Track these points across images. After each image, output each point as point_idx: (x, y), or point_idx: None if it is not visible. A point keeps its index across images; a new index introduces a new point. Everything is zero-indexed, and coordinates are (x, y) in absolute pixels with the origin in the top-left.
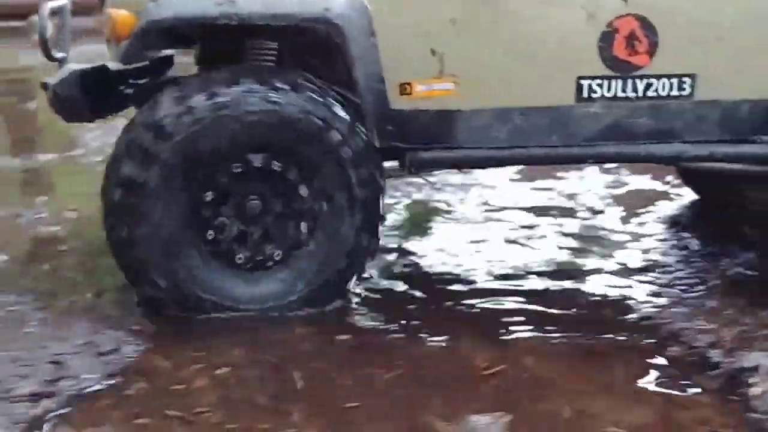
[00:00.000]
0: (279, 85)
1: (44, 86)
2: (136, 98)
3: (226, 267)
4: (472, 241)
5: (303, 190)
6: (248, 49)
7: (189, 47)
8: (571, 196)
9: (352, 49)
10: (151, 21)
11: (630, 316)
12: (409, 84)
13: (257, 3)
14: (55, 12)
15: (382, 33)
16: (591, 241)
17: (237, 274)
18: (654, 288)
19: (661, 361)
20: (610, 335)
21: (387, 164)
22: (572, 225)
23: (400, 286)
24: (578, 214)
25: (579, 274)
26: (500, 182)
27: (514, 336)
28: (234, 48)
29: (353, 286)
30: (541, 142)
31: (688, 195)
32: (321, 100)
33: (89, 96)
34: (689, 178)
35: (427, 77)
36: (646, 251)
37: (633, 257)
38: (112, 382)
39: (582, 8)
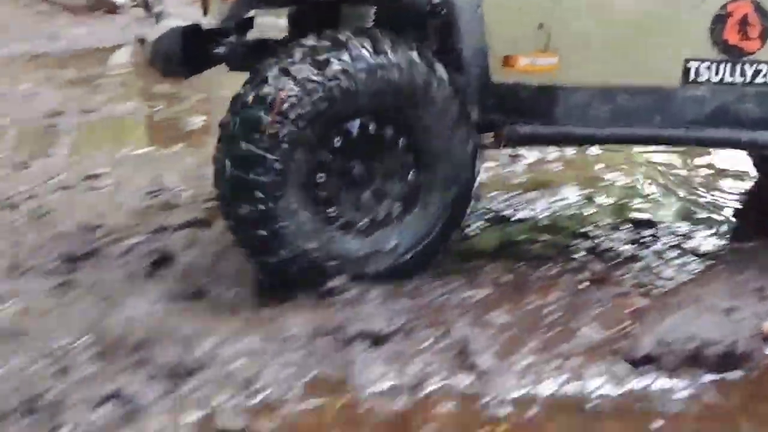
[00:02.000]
0: (387, 50)
1: (141, 41)
2: (231, 58)
3: (343, 231)
4: None
5: (408, 156)
6: (345, 14)
7: (282, 6)
8: None
9: (460, 20)
10: None
11: None
12: (512, 57)
13: None
14: None
15: (488, 4)
16: None
17: (354, 237)
18: None
19: None
20: None
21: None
22: None
23: None
24: None
25: None
26: None
27: None
28: (329, 12)
29: None
30: (642, 122)
31: None
32: (427, 67)
33: (187, 52)
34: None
35: (532, 51)
36: None
37: None
38: None
39: None
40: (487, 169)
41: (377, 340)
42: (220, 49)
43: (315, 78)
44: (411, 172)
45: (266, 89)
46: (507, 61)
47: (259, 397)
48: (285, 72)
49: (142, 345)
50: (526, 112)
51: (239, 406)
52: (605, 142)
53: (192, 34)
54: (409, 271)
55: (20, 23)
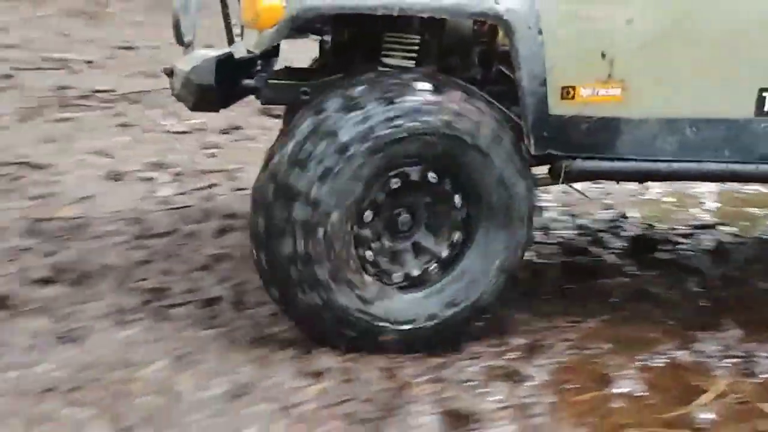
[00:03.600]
0: (451, 93)
1: (169, 73)
2: (263, 90)
3: (380, 284)
4: None
5: (458, 201)
6: (388, 41)
7: (322, 35)
8: None
9: (520, 48)
10: (306, 8)
11: None
12: (572, 88)
13: None
14: None
15: (548, 32)
16: None
17: (389, 292)
18: None
19: None
20: None
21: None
22: None
23: None
24: None
25: None
26: None
27: None
28: (368, 38)
29: None
30: (712, 157)
31: None
32: (490, 113)
33: (220, 85)
34: None
35: (593, 81)
36: None
37: None
38: None
39: None
40: None
41: None
42: (251, 81)
43: (381, 118)
44: (457, 234)
45: (330, 124)
46: (566, 93)
47: None
48: (348, 105)
49: None
50: (587, 146)
51: None
52: (670, 178)
53: (225, 64)
54: (464, 324)
55: None
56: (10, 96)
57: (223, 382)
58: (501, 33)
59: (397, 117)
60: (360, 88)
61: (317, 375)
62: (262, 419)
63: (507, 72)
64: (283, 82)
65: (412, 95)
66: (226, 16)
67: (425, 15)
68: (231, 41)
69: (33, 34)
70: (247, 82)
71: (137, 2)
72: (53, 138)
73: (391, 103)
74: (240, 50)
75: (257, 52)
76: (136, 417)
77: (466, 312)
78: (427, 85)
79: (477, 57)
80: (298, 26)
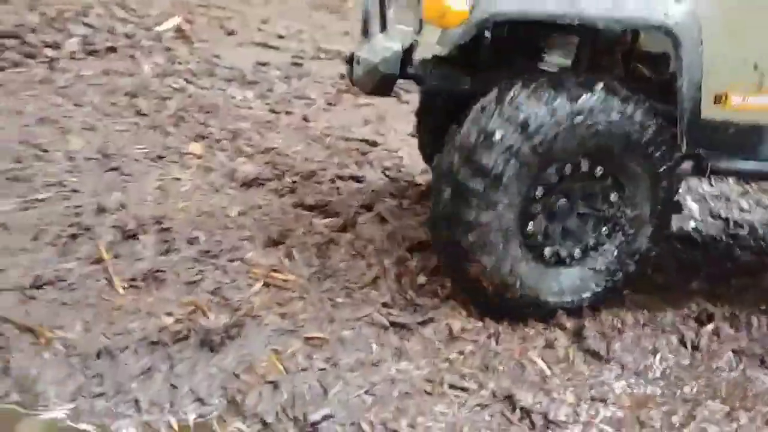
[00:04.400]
0: (626, 97)
1: (350, 60)
2: (426, 77)
3: (535, 260)
4: None
5: (614, 196)
6: (548, 44)
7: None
8: None
9: (684, 58)
10: (495, 13)
11: None
12: (725, 95)
13: (598, 5)
14: None
15: (707, 43)
16: None
17: (543, 267)
18: None
19: None
20: None
21: None
22: None
23: None
24: None
25: None
26: None
27: None
28: (529, 39)
29: None
30: None
31: None
32: (653, 116)
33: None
34: None
35: (745, 90)
36: None
37: None
38: None
39: None
40: None
41: None
42: (414, 69)
43: (565, 112)
44: (616, 203)
45: (520, 113)
46: (719, 99)
47: None
48: (541, 100)
49: None
50: (734, 147)
51: None
52: None
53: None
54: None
55: None
56: (306, 83)
57: None
58: (642, 36)
59: (579, 113)
60: (549, 84)
61: None
62: None
63: (645, 71)
64: (447, 71)
65: (592, 95)
66: (382, 4)
67: (602, 26)
68: (384, 28)
69: (297, 25)
70: (411, 70)
71: None
72: (369, 119)
73: (574, 100)
74: (405, 40)
75: (443, 49)
76: None
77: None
78: (606, 88)
79: (620, 58)
80: (484, 28)
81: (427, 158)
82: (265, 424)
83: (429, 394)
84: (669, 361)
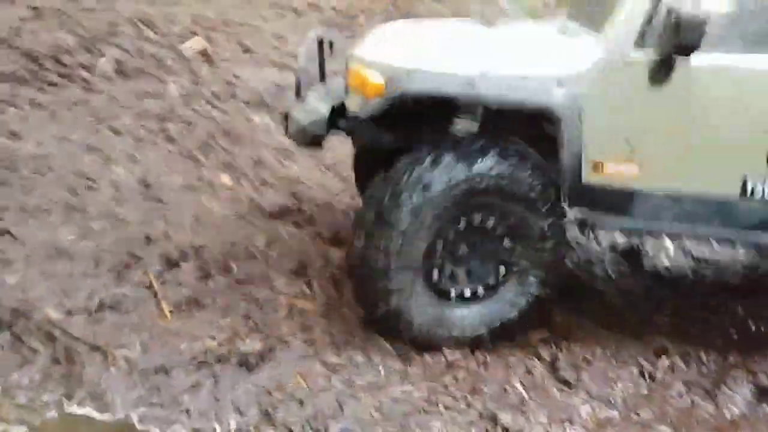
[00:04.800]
0: (517, 161)
1: (285, 116)
2: (357, 133)
3: (439, 299)
4: None
5: (507, 242)
6: (460, 111)
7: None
8: None
9: (564, 133)
10: (404, 91)
11: None
12: (602, 163)
13: (493, 88)
14: (320, 43)
15: (586, 121)
16: None
17: (445, 306)
18: None
19: None
20: None
21: None
22: None
23: None
24: None
25: None
26: None
27: None
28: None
29: None
30: (704, 223)
31: None
32: (542, 176)
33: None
34: None
35: (618, 160)
36: None
37: None
38: None
39: (758, 123)
40: None
41: None
42: (344, 123)
43: (461, 174)
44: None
45: (425, 176)
46: (597, 167)
47: None
48: (437, 165)
49: None
50: (609, 207)
51: None
52: (671, 236)
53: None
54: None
55: None
56: None
57: None
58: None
59: (474, 177)
60: (447, 151)
61: None
62: None
63: (550, 131)
64: (372, 128)
65: (487, 159)
66: (322, 62)
67: (495, 106)
68: (323, 78)
69: None
70: (342, 125)
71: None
72: None
73: (471, 166)
74: (336, 95)
75: (362, 115)
76: None
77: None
78: (498, 151)
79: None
80: (397, 101)
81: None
82: None
83: (427, 413)
84: (629, 389)
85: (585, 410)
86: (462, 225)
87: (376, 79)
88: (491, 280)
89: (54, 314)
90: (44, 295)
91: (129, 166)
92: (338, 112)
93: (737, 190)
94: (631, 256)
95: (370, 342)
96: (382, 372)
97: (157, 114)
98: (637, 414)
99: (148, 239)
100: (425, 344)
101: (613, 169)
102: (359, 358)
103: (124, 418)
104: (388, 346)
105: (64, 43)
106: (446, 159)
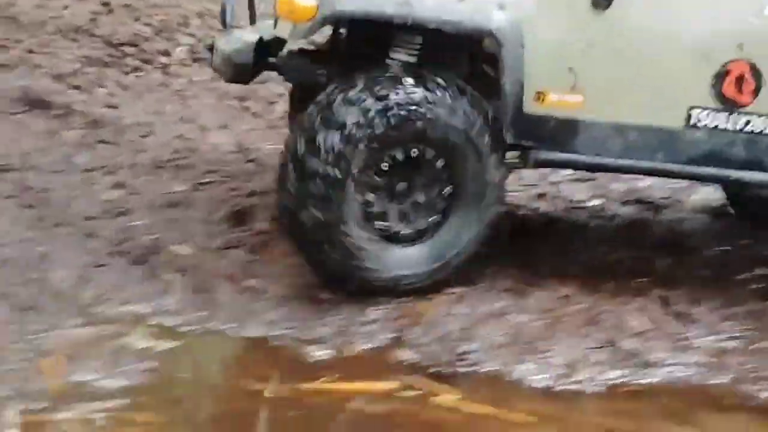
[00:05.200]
0: (440, 90)
1: (210, 48)
2: (286, 69)
3: (379, 240)
4: None
5: (445, 175)
6: (396, 41)
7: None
8: None
9: (506, 59)
10: (337, 12)
11: None
12: (543, 93)
13: (431, 8)
14: None
15: (528, 48)
16: None
17: (386, 246)
18: None
19: None
20: None
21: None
22: None
23: None
24: None
25: None
26: None
27: None
28: (379, 36)
29: None
30: (648, 157)
31: None
32: (474, 107)
33: (255, 64)
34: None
35: (561, 89)
36: None
37: None
38: None
39: (700, 48)
40: None
41: None
42: (275, 60)
43: (377, 111)
44: (446, 189)
45: (334, 116)
46: (539, 96)
47: None
48: (349, 102)
49: None
50: (552, 140)
51: None
52: (614, 171)
53: (259, 47)
54: (445, 280)
55: None
56: None
57: None
58: (486, 40)
59: (410, 105)
60: (360, 84)
61: None
62: None
63: (489, 71)
64: (304, 63)
65: (422, 91)
66: (251, 1)
67: (431, 27)
68: (253, 21)
69: None
70: (272, 60)
71: None
72: None
73: (407, 95)
74: (267, 33)
75: (294, 42)
76: None
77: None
78: (436, 84)
79: (466, 58)
80: (329, 24)
81: None
82: (424, 354)
83: (548, 339)
84: (746, 324)
85: (703, 339)
86: (398, 157)
87: (306, 1)
88: (429, 220)
89: (182, 251)
90: (170, 236)
91: (223, 133)
92: (271, 49)
93: (682, 121)
94: None
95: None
96: (502, 301)
97: (238, 95)
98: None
99: (252, 193)
100: (366, 285)
101: (556, 98)
102: (482, 286)
103: (261, 336)
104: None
105: (141, 32)
106: (383, 87)
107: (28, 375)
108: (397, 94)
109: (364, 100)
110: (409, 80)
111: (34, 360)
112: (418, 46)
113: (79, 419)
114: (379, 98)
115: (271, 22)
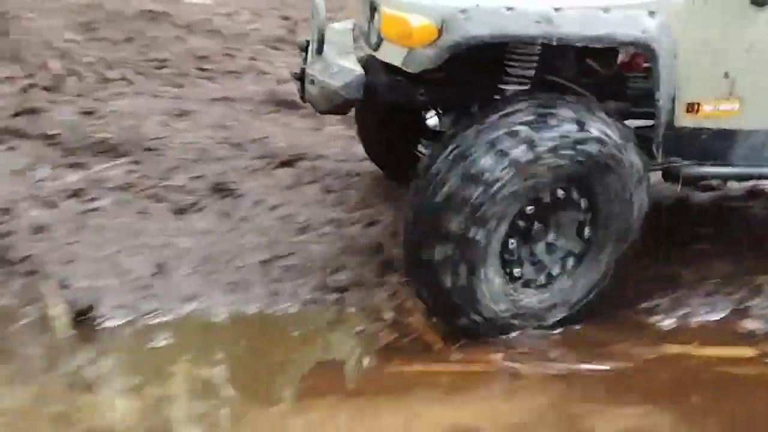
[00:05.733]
0: (590, 124)
1: (299, 78)
2: (384, 93)
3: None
4: None
5: (585, 214)
6: (512, 55)
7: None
8: None
9: (660, 70)
10: (470, 36)
11: None
12: (697, 103)
13: (575, 22)
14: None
15: (681, 56)
16: None
17: (522, 292)
18: None
19: None
20: None
21: None
22: None
23: None
24: None
25: None
26: None
27: None
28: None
29: None
30: None
31: None
32: (623, 140)
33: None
34: None
35: (715, 98)
36: None
37: None
38: None
39: None
40: None
41: None
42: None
43: (528, 157)
44: (587, 229)
45: (475, 168)
46: (691, 107)
47: None
48: (494, 150)
49: None
50: (705, 153)
51: None
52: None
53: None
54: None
55: None
56: None
57: None
58: (620, 56)
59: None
60: (503, 128)
61: None
62: None
63: (595, 66)
64: (400, 84)
65: (553, 131)
66: (321, 29)
67: (579, 44)
68: (320, 51)
69: None
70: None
71: None
72: None
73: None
74: (352, 58)
75: (410, 70)
76: None
77: None
78: (568, 115)
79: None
80: (460, 50)
81: (369, 150)
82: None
83: None
84: None
85: None
86: (546, 199)
87: (425, 23)
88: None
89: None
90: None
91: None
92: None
93: None
94: None
95: None
96: None
97: None
98: None
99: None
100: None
101: (709, 108)
102: None
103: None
104: None
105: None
106: (561, 113)
107: None
108: (552, 137)
109: (512, 148)
110: (564, 117)
111: None
112: (536, 60)
113: None
114: (532, 146)
115: (350, 44)
